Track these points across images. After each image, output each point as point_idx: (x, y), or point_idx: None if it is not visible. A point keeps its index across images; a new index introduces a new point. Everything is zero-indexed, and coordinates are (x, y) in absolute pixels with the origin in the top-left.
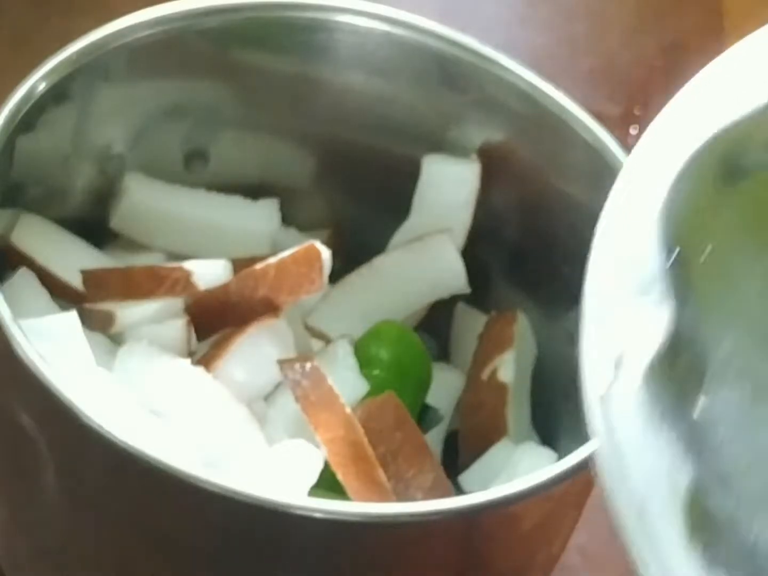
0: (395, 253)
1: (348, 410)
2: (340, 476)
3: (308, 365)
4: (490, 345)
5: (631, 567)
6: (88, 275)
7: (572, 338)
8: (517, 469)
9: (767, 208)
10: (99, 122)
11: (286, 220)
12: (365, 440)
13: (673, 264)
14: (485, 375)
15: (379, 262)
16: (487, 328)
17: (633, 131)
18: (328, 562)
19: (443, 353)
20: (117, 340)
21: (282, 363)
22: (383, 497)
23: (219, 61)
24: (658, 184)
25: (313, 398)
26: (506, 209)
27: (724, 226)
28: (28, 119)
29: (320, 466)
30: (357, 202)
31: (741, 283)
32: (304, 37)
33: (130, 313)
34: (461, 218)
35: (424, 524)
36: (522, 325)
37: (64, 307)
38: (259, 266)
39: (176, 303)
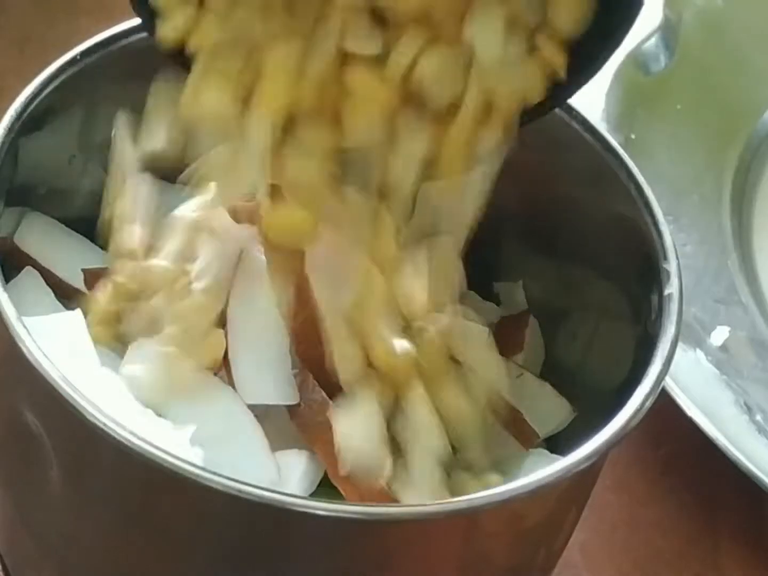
0: None
1: None
2: (341, 490)
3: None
4: (500, 346)
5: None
6: (88, 274)
7: (575, 337)
8: (521, 468)
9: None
10: (103, 122)
11: None
12: None
13: None
14: None
15: None
16: (499, 329)
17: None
18: (330, 560)
19: None
20: (122, 340)
21: None
22: None
23: None
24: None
25: (309, 413)
26: (508, 209)
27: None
28: (33, 120)
29: (319, 476)
30: None
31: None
32: None
33: None
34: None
35: (426, 523)
36: (533, 328)
37: (69, 307)
38: None
39: None
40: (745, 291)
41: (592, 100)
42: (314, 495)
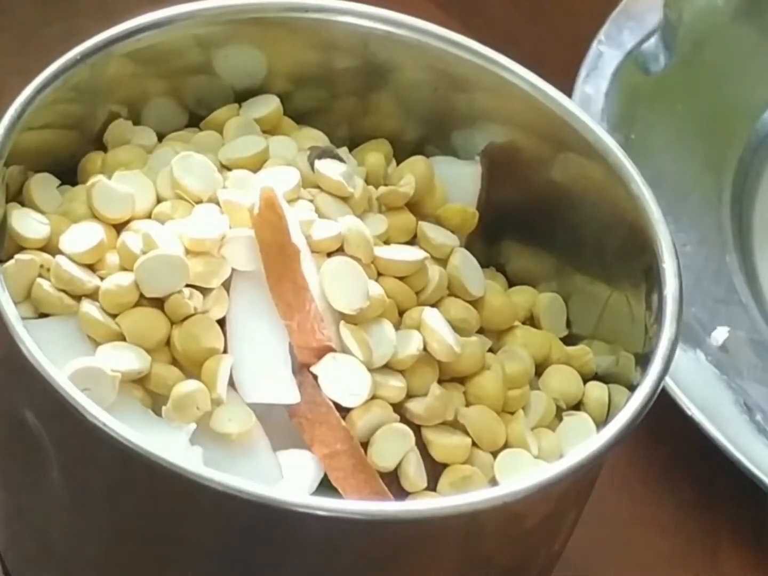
0: None
1: (344, 423)
2: (341, 490)
3: (303, 377)
4: None
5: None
6: None
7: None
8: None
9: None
10: (104, 122)
11: None
12: (362, 451)
13: None
14: None
15: None
16: None
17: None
18: (331, 560)
19: None
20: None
21: None
22: None
23: (222, 62)
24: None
25: (308, 414)
26: (509, 209)
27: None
28: (33, 120)
29: (319, 477)
30: None
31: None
32: (305, 38)
33: None
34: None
35: (426, 522)
36: None
37: None
38: None
39: None
40: (745, 291)
41: (592, 100)
42: (314, 495)
